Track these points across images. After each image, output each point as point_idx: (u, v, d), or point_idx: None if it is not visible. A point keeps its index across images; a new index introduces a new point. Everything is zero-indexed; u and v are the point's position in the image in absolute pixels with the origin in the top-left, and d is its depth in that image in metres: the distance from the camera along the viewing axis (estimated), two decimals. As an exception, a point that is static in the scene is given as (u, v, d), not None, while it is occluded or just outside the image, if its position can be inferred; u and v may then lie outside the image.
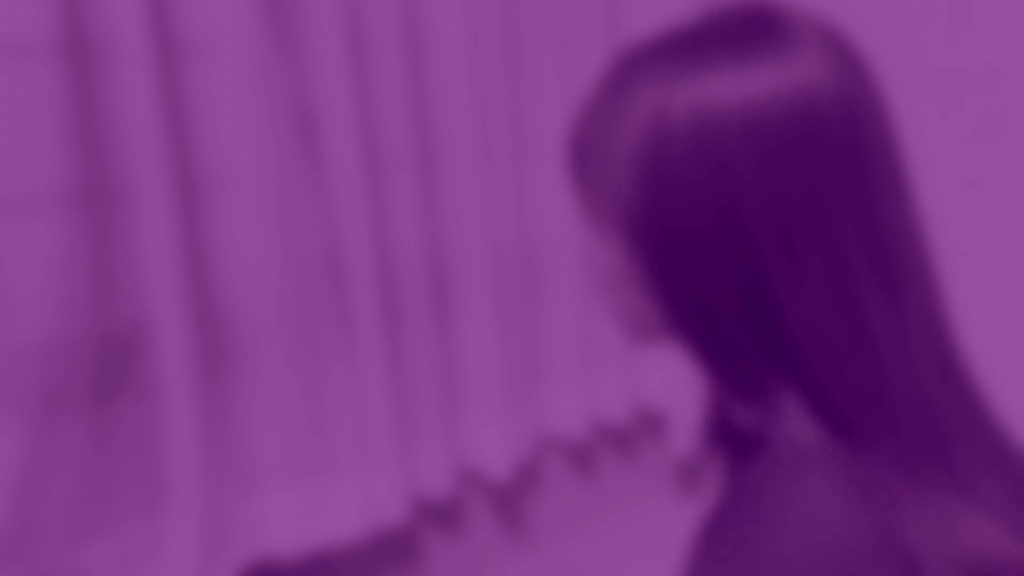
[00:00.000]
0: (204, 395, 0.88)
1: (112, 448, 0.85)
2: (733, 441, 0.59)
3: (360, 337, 0.99)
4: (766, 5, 0.47)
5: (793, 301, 0.44)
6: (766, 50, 0.44)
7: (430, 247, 1.08)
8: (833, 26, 0.47)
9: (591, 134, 0.49)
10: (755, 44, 0.44)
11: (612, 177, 0.47)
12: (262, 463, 0.96)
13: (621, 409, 1.31)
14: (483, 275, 1.10)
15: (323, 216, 0.96)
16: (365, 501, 1.01)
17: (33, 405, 0.79)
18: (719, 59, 0.44)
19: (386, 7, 1.00)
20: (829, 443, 0.43)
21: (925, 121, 1.17)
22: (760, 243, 0.43)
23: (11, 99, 0.76)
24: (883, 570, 0.40)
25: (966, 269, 1.15)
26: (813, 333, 0.44)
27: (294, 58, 0.92)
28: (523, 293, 1.18)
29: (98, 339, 0.83)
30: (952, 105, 1.13)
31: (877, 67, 1.21)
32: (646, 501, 1.44)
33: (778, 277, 0.43)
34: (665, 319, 0.48)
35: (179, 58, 0.86)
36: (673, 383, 1.36)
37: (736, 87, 0.43)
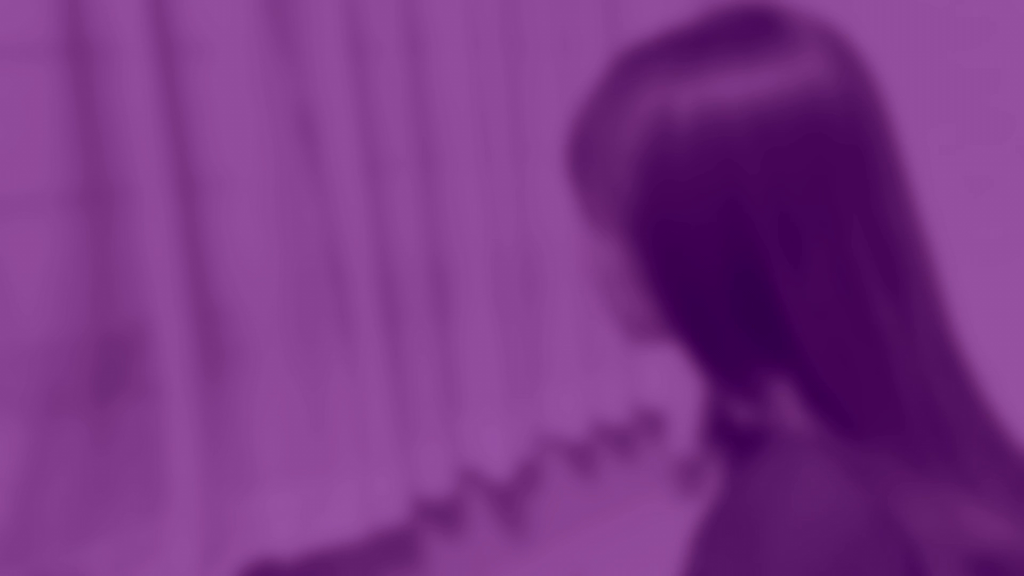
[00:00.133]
0: (204, 395, 0.88)
1: (112, 448, 0.85)
2: (731, 439, 0.59)
3: (360, 337, 0.99)
4: (766, 5, 0.47)
5: (797, 296, 0.44)
6: (769, 49, 0.44)
7: (430, 247, 1.08)
8: (831, 25, 0.47)
9: (591, 133, 0.49)
10: (757, 43, 0.44)
11: (613, 175, 0.47)
12: (262, 463, 0.96)
13: (621, 409, 1.31)
14: (483, 275, 1.10)
15: (323, 216, 0.96)
16: (365, 501, 1.01)
17: (33, 405, 0.79)
18: (722, 58, 0.44)
19: (386, 7, 1.00)
20: (827, 435, 0.44)
21: (924, 121, 1.17)
22: (764, 239, 0.43)
23: (11, 99, 0.76)
24: (884, 558, 0.41)
25: (965, 269, 1.15)
26: (817, 327, 0.44)
27: (294, 58, 0.92)
28: (523, 293, 1.18)
29: (98, 339, 0.83)
30: (951, 105, 1.13)
31: (876, 66, 1.21)
32: (646, 501, 1.44)
33: (781, 272, 0.44)
34: (663, 317, 0.49)
35: (179, 58, 0.86)
36: (673, 383, 1.36)
37: (740, 85, 0.43)
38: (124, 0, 0.78)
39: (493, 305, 1.11)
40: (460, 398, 1.14)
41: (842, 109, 0.44)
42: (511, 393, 1.16)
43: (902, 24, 1.17)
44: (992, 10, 1.07)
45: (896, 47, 1.18)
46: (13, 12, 0.75)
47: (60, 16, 0.77)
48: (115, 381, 0.85)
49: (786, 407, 0.46)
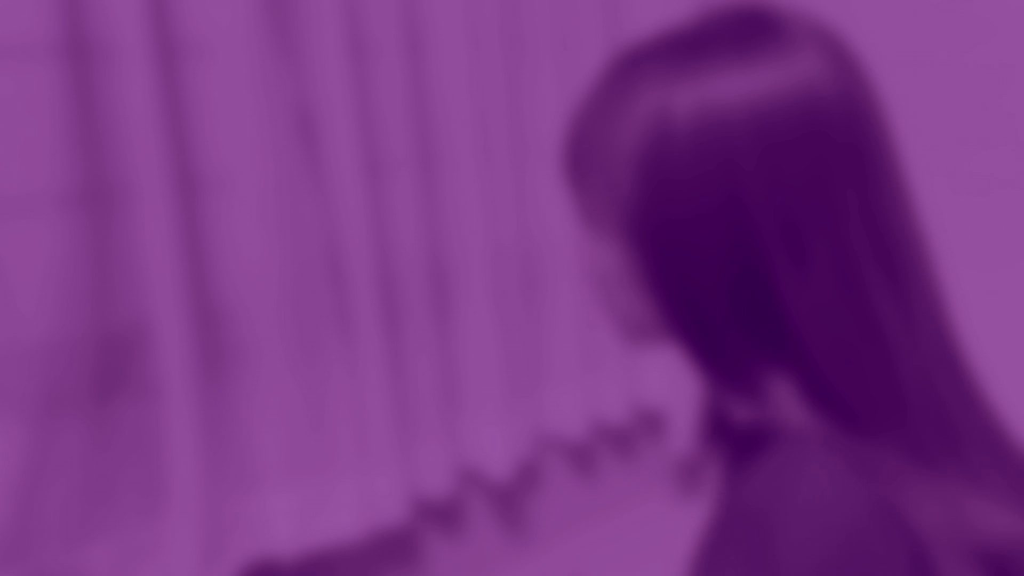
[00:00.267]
0: (204, 395, 0.88)
1: (112, 448, 0.85)
2: (730, 438, 0.59)
3: (360, 337, 0.99)
4: (761, 5, 0.47)
5: (799, 293, 0.44)
6: (766, 49, 0.44)
7: (430, 247, 1.08)
8: (825, 24, 0.48)
9: (589, 135, 0.49)
10: (755, 43, 0.44)
11: (612, 177, 0.47)
12: (262, 463, 0.96)
13: (621, 409, 1.31)
14: (483, 275, 1.10)
15: (323, 216, 0.96)
16: (365, 501, 1.01)
17: (33, 405, 0.79)
18: (720, 58, 0.44)
19: (386, 7, 1.00)
20: (831, 431, 0.44)
21: (923, 120, 1.17)
22: (765, 237, 0.44)
23: (11, 99, 0.76)
24: (891, 554, 0.41)
25: (964, 269, 1.15)
26: (820, 323, 0.44)
27: (294, 58, 0.92)
28: (523, 293, 1.18)
29: (98, 339, 0.83)
30: (951, 104, 1.14)
31: (873, 66, 1.21)
32: (646, 501, 1.44)
33: (783, 269, 0.44)
34: (662, 318, 0.49)
35: (179, 58, 0.86)
36: (673, 383, 1.36)
37: (739, 85, 0.43)
38: (124, 0, 0.79)
39: (493, 305, 1.11)
40: (460, 398, 1.14)
41: (840, 107, 0.44)
42: (511, 393, 1.16)
43: (901, 24, 1.17)
44: (991, 10, 1.07)
45: (895, 47, 1.18)
46: (13, 12, 0.75)
47: (60, 16, 0.77)
48: (115, 381, 0.85)
49: (788, 405, 0.46)
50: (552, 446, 1.30)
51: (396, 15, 1.01)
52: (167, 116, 0.83)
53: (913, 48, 1.16)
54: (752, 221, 0.44)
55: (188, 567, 0.87)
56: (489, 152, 1.12)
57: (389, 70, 1.01)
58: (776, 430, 0.47)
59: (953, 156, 1.14)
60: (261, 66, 0.88)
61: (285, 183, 0.91)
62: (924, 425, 0.44)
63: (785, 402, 0.46)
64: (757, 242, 0.44)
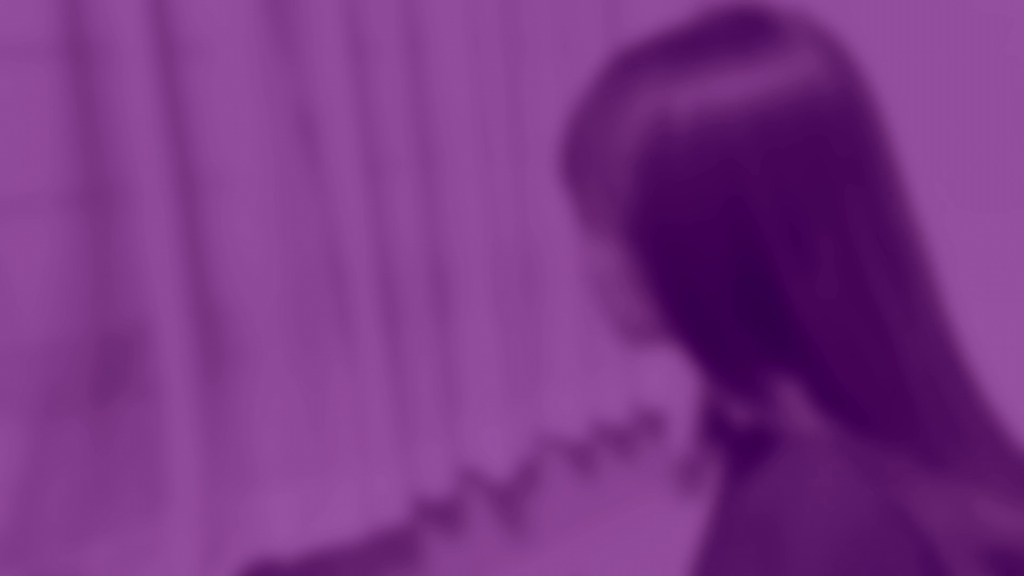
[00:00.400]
0: (204, 395, 0.88)
1: (112, 448, 0.85)
2: (729, 439, 0.59)
3: (360, 337, 0.99)
4: (757, 5, 0.47)
5: (805, 293, 0.44)
6: (764, 48, 0.44)
7: (430, 247, 1.08)
8: (820, 24, 0.48)
9: (587, 137, 0.49)
10: (752, 43, 0.45)
11: (611, 179, 0.47)
12: (262, 463, 0.96)
13: (621, 409, 1.31)
14: (483, 275, 1.10)
15: (323, 216, 0.96)
16: (365, 501, 1.01)
17: (33, 405, 0.79)
18: (719, 58, 0.44)
19: (386, 7, 1.00)
20: (839, 434, 0.44)
21: (923, 120, 1.17)
22: (768, 237, 0.44)
23: (11, 99, 0.76)
24: (902, 558, 0.41)
25: (963, 269, 1.15)
26: (827, 324, 0.44)
27: (294, 58, 0.92)
28: (523, 293, 1.18)
29: (98, 339, 0.83)
30: (950, 104, 1.14)
31: (871, 66, 1.21)
32: (646, 501, 1.44)
33: (788, 269, 0.44)
34: (662, 320, 0.48)
35: (179, 58, 0.86)
36: (673, 383, 1.36)
37: (738, 85, 0.43)
38: (124, 0, 0.78)
39: (493, 305, 1.11)
40: (460, 398, 1.14)
41: (838, 105, 0.44)
42: (511, 393, 1.16)
43: (900, 24, 1.17)
44: (989, 8, 1.07)
45: (893, 47, 1.18)
46: (13, 12, 0.75)
47: (60, 16, 0.77)
48: (115, 381, 0.85)
49: (795, 408, 0.46)
50: (552, 446, 1.30)
51: (396, 15, 1.01)
52: (167, 116, 0.83)
53: (913, 48, 1.16)
54: (755, 220, 0.43)
55: (188, 567, 0.87)
56: (489, 152, 1.11)
57: (389, 70, 1.01)
58: (777, 432, 0.47)
59: (953, 156, 1.14)
60: (261, 66, 0.88)
61: (285, 183, 0.91)
62: (931, 425, 0.44)
63: (792, 405, 0.46)
64: (761, 241, 0.44)
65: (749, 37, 0.45)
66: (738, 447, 0.57)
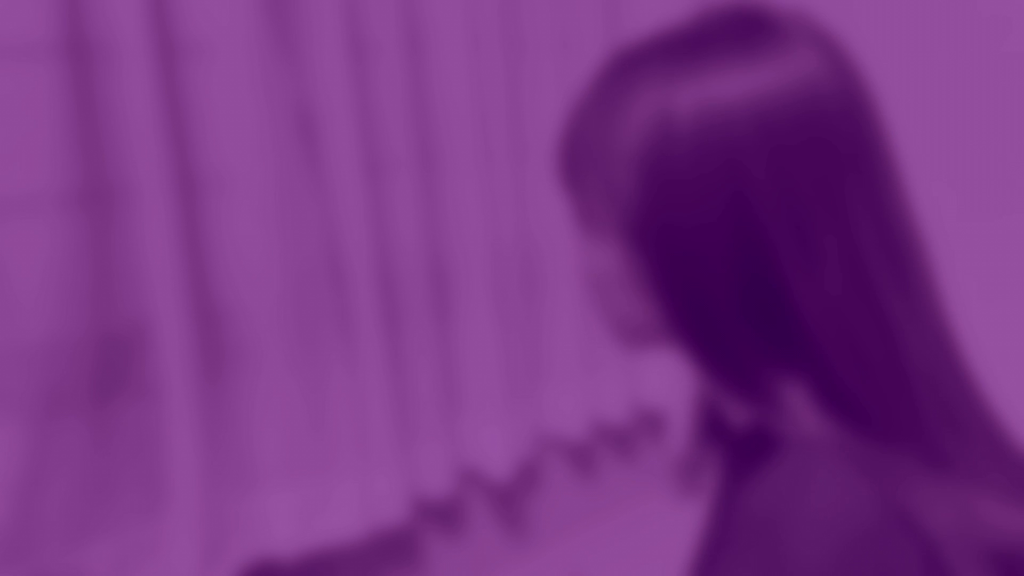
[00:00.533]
0: (204, 395, 0.88)
1: (112, 448, 0.85)
2: (727, 439, 0.59)
3: (360, 337, 0.99)
4: (757, 5, 0.47)
5: (809, 291, 0.44)
6: (765, 47, 0.44)
7: (430, 247, 1.08)
8: (818, 23, 0.48)
9: (587, 137, 0.49)
10: (753, 42, 0.44)
11: (612, 179, 0.47)
12: (262, 463, 0.96)
13: (621, 409, 1.31)
14: (483, 275, 1.10)
15: (323, 216, 0.96)
16: (365, 501, 1.01)
17: (33, 405, 0.79)
18: (720, 58, 0.44)
19: (386, 7, 1.00)
20: (844, 435, 0.44)
21: (923, 120, 1.17)
22: (773, 236, 0.43)
23: (11, 99, 0.76)
24: (905, 559, 0.41)
25: (962, 268, 1.15)
26: (833, 324, 0.44)
27: (294, 58, 0.92)
28: (523, 293, 1.18)
29: (98, 339, 0.83)
30: (950, 104, 1.13)
31: (873, 66, 1.21)
32: (646, 501, 1.44)
33: (793, 269, 0.44)
34: (665, 321, 0.48)
35: (179, 58, 0.86)
36: (673, 383, 1.36)
37: (740, 84, 0.43)
38: (124, 0, 0.78)
39: (493, 305, 1.11)
40: (460, 398, 1.14)
41: (839, 103, 0.44)
42: (511, 393, 1.16)
43: (900, 24, 1.17)
44: (991, 9, 1.07)
45: (893, 47, 1.18)
46: (13, 12, 0.75)
47: (60, 16, 0.77)
48: (115, 381, 0.85)
49: (799, 410, 0.45)
50: (552, 446, 1.30)
51: (396, 15, 1.01)
52: (167, 116, 0.83)
53: (913, 48, 1.16)
54: (758, 218, 0.43)
55: (188, 567, 0.87)
56: (489, 152, 1.11)
57: (389, 70, 1.01)
58: (778, 433, 0.47)
59: (952, 156, 1.14)
60: (261, 66, 0.88)
61: (285, 183, 0.91)
62: (932, 425, 0.44)
63: (796, 407, 0.46)
64: (765, 241, 0.44)
65: (749, 36, 0.45)
66: (736, 448, 0.57)
